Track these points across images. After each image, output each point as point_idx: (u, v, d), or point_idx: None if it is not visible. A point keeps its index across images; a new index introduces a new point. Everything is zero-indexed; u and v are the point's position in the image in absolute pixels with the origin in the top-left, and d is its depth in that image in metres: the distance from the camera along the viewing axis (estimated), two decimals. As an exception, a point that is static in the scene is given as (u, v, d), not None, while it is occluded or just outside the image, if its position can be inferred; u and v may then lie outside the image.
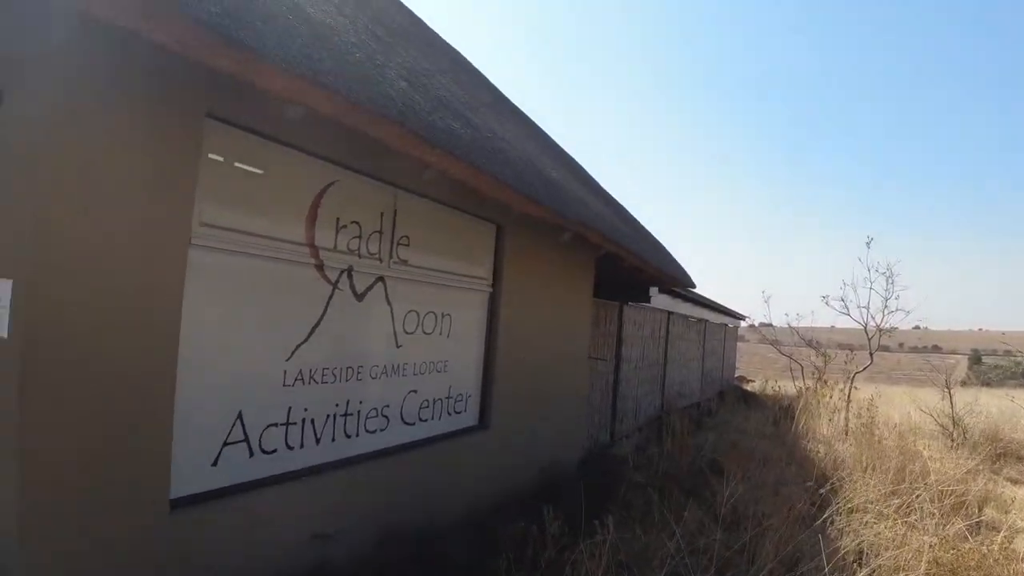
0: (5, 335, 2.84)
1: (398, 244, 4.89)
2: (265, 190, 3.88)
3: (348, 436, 4.58)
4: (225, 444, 3.71)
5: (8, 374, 2.77)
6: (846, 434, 10.31)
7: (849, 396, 12.53)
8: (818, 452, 8.95)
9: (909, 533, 4.93)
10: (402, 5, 6.58)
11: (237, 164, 3.70)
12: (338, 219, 4.35)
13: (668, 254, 9.86)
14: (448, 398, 5.67)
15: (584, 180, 8.43)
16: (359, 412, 4.66)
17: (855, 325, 13.84)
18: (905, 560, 4.38)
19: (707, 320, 17.40)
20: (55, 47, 2.83)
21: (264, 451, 3.95)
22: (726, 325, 21.27)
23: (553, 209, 5.10)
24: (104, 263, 2.93)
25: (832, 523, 5.30)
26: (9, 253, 2.90)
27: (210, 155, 3.44)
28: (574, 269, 7.66)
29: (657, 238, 10.27)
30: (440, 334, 5.50)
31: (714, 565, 4.31)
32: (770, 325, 20.52)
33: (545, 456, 7.07)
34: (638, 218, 9.95)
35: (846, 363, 14.22)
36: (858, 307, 13.81)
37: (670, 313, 13.16)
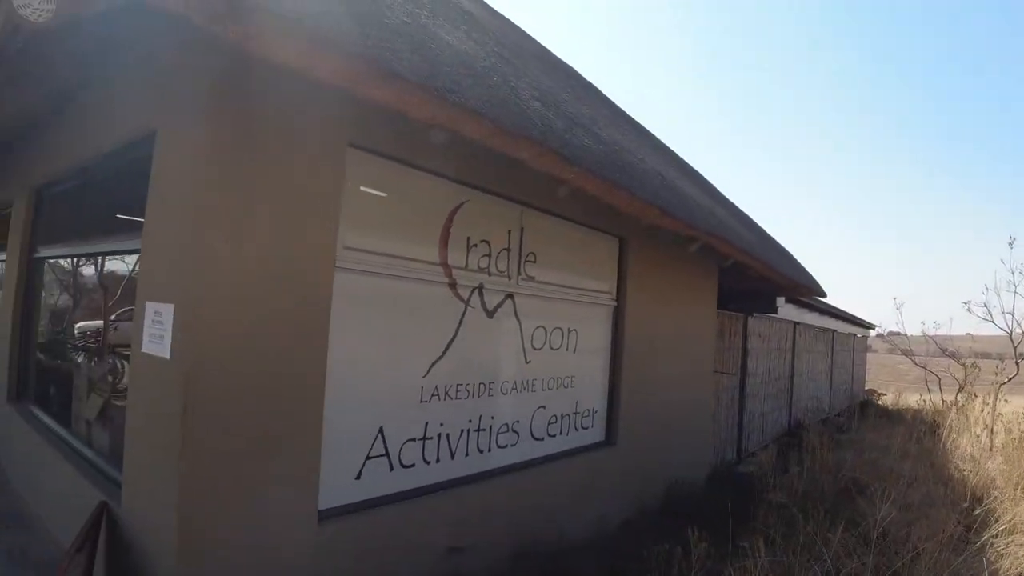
0: (167, 356, 3.07)
1: (525, 261, 4.94)
2: (401, 213, 4.03)
3: (481, 451, 4.64)
4: (368, 458, 3.86)
5: (170, 392, 3.00)
6: (991, 450, 9.48)
7: (995, 409, 11.49)
8: (965, 470, 8.28)
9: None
10: (511, 22, 6.67)
11: (376, 190, 3.85)
12: (468, 238, 4.44)
13: (796, 261, 9.45)
14: (575, 413, 5.65)
15: (705, 188, 8.23)
16: (491, 427, 4.73)
17: (995, 332, 12.78)
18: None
19: (835, 330, 16.50)
20: (208, 85, 3.05)
21: (403, 465, 4.08)
22: (855, 335, 20.09)
23: (685, 221, 5.00)
24: (257, 288, 3.11)
25: (990, 545, 4.88)
26: (171, 280, 3.14)
27: (352, 182, 3.61)
28: (697, 281, 7.48)
29: (781, 244, 9.89)
30: (567, 349, 5.49)
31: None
32: (901, 334, 19.12)
33: (671, 473, 6.91)
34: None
35: (996, 373, 13.01)
36: (1002, 313, 12.77)
37: (796, 324, 12.59)
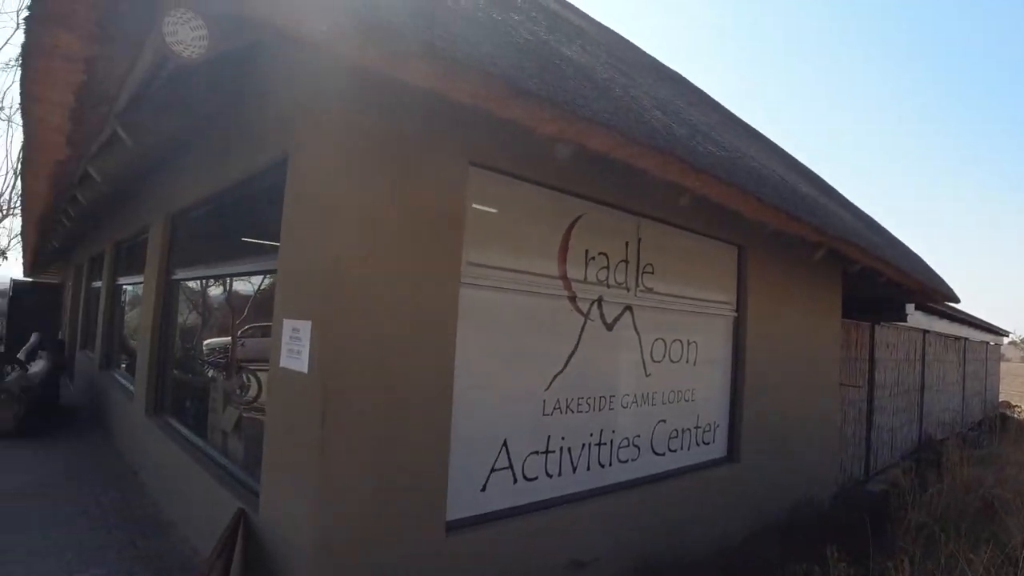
0: (305, 370, 3.18)
1: (643, 272, 4.83)
2: (521, 228, 4.03)
3: (602, 465, 4.56)
4: (492, 471, 3.86)
5: (309, 405, 3.10)
6: None
7: None
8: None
9: None
10: (618, 35, 6.61)
11: (496, 206, 3.87)
12: (587, 251, 4.40)
13: (926, 264, 8.85)
14: (696, 428, 5.46)
15: (826, 190, 7.84)
16: (612, 441, 4.64)
17: None
18: None
19: (966, 338, 15.37)
20: (341, 110, 3.14)
21: (527, 478, 4.06)
22: (987, 343, 18.65)
23: (813, 225, 4.76)
24: (387, 303, 3.19)
25: None
26: (307, 297, 3.26)
27: (473, 200, 3.65)
28: (820, 288, 7.11)
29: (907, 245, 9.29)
30: (687, 362, 5.33)
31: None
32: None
33: (795, 491, 6.57)
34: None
35: None
36: None
37: (926, 332, 11.79)
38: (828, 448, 7.59)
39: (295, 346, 3.30)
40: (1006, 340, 21.90)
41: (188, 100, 3.86)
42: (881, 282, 7.09)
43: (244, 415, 4.60)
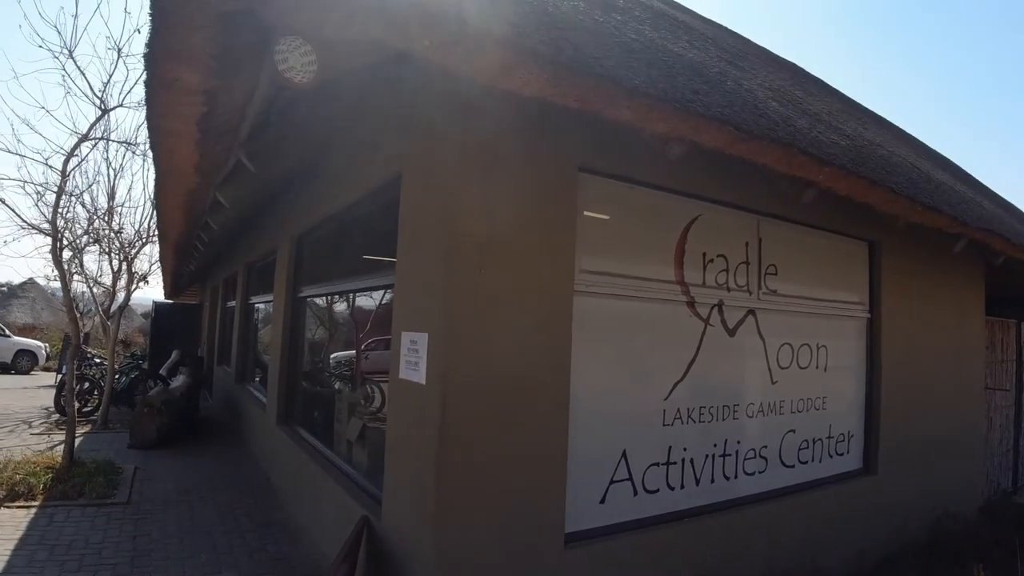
0: (423, 381, 3.23)
1: (766, 274, 4.63)
2: (634, 232, 3.95)
3: (727, 478, 4.38)
4: (611, 482, 3.78)
5: (427, 415, 3.15)
6: None
7: None
8: None
9: None
10: (723, 27, 6.39)
11: (608, 211, 3.81)
12: (704, 254, 4.26)
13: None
14: (829, 438, 5.16)
15: (962, 177, 7.25)
16: (737, 452, 4.45)
17: None
18: None
19: None
20: (449, 124, 3.19)
21: (647, 490, 3.95)
22: None
23: (952, 215, 4.40)
24: (502, 314, 3.19)
25: None
26: (424, 310, 3.31)
27: (584, 205, 3.60)
28: (961, 284, 6.57)
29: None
30: (816, 367, 5.05)
31: None
32: None
33: (938, 505, 6.07)
34: None
35: None
36: None
37: (1083, 329, 10.70)
38: (973, 457, 6.98)
39: (413, 358, 3.37)
40: None
41: (305, 127, 4.04)
42: (1028, 276, 6.49)
43: (367, 425, 4.74)
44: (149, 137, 3.62)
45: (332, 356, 6.26)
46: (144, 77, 2.77)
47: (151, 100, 3.01)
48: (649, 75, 2.64)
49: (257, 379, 9.15)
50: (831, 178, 3.54)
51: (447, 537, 3.05)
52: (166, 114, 3.14)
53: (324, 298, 6.31)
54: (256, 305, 9.51)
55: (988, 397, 7.56)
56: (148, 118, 3.29)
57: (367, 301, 5.35)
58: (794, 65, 6.92)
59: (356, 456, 4.83)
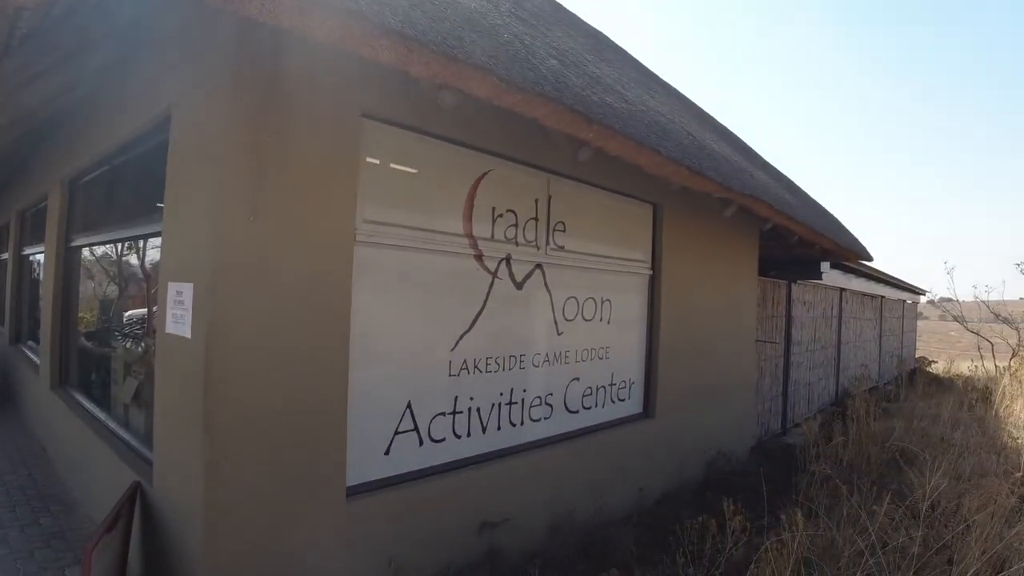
0: (189, 335, 3.05)
1: (554, 230, 4.81)
2: (422, 184, 3.93)
3: (513, 425, 4.57)
4: (396, 433, 3.81)
5: (194, 371, 2.97)
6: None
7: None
8: (1020, 438, 7.93)
9: None
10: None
11: (394, 161, 3.76)
12: (494, 208, 4.34)
13: (840, 224, 9.12)
14: (611, 385, 5.52)
15: (744, 150, 7.94)
16: (523, 401, 4.64)
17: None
18: None
19: (883, 296, 15.97)
20: (218, 61, 2.99)
21: (433, 440, 4.02)
22: (904, 301, 19.42)
23: (718, 182, 4.79)
24: (275, 263, 3.05)
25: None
26: (191, 259, 3.12)
27: (368, 153, 3.52)
28: (737, 247, 7.24)
29: (825, 207, 9.54)
30: (600, 320, 5.36)
31: (912, 566, 3.85)
32: (952, 300, 18.29)
33: (713, 445, 6.75)
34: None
35: None
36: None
37: (843, 290, 12.20)
38: (745, 403, 7.81)
39: (179, 310, 3.16)
40: (923, 299, 22.84)
41: (58, 56, 3.61)
42: (794, 241, 7.27)
43: (144, 385, 4.43)
44: None
45: (125, 314, 5.75)
46: None
47: None
48: (409, 16, 2.60)
49: (33, 340, 8.27)
50: (599, 136, 3.70)
51: (218, 496, 2.92)
52: None
53: (112, 250, 5.76)
54: (31, 257, 8.54)
55: (760, 348, 8.43)
56: None
57: (159, 254, 4.96)
58: (600, 33, 7.16)
59: (132, 419, 4.50)
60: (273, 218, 3.04)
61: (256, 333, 3.00)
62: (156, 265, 4.77)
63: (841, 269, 11.15)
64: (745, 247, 7.45)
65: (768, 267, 8.51)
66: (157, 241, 4.32)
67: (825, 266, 9.46)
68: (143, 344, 4.85)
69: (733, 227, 6.85)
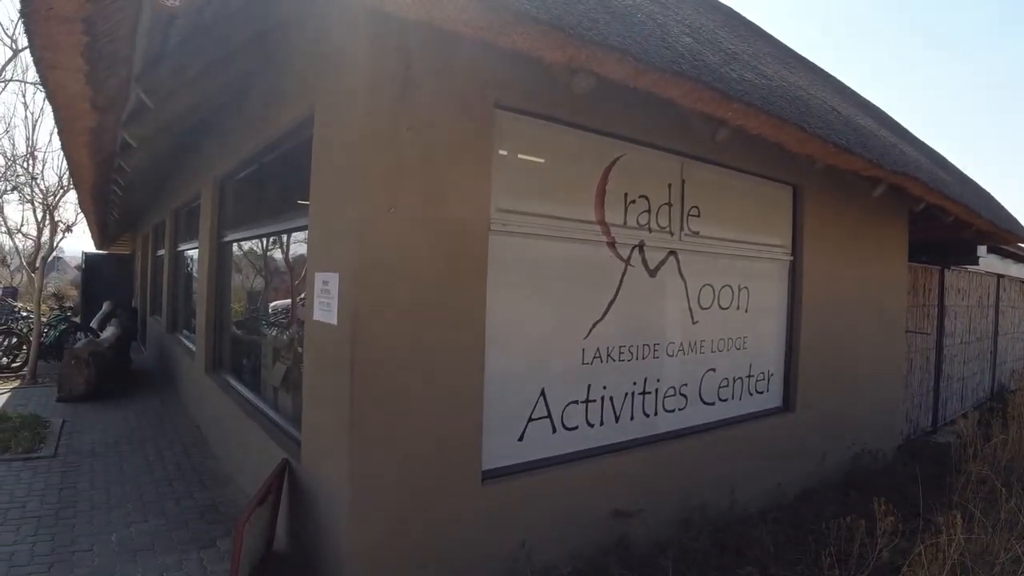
0: (335, 323, 3.18)
1: (688, 216, 4.66)
2: (554, 172, 3.91)
3: (647, 415, 4.47)
4: (530, 420, 3.83)
5: (340, 357, 3.11)
6: None
7: None
8: None
9: None
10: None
11: (526, 150, 3.77)
12: (626, 194, 4.25)
13: (997, 203, 8.29)
14: (749, 377, 5.30)
15: (891, 125, 7.35)
16: (657, 391, 4.53)
17: None
18: None
19: (1047, 283, 14.48)
20: (355, 58, 3.07)
21: (566, 427, 4.01)
22: (1070, 288, 17.54)
23: (867, 158, 4.45)
24: (414, 252, 3.14)
25: None
26: (336, 249, 3.25)
27: (501, 143, 3.54)
28: (884, 231, 6.74)
29: (980, 184, 8.73)
30: (737, 308, 5.15)
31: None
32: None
33: (857, 442, 6.33)
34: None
35: None
36: None
37: (1000, 276, 11.15)
38: (893, 398, 7.29)
39: (325, 299, 3.31)
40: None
41: (207, 60, 3.85)
42: (948, 222, 6.68)
43: (291, 369, 4.68)
44: (38, 72, 3.39)
45: (272, 304, 6.12)
46: (20, 7, 2.60)
47: (31, 31, 2.83)
48: (544, 1, 2.57)
49: (188, 329, 8.96)
50: (740, 115, 3.52)
51: (362, 476, 3.04)
52: (48, 45, 2.94)
53: (259, 244, 6.14)
54: (185, 252, 9.25)
55: (910, 340, 7.85)
56: (31, 50, 3.08)
57: (302, 247, 5.23)
58: (731, 10, 6.87)
59: (280, 401, 4.78)
60: (412, 209, 3.12)
61: (397, 320, 3.10)
62: (299, 258, 5.03)
63: (999, 253, 10.19)
64: (893, 230, 6.92)
65: (919, 252, 7.89)
66: (301, 235, 4.56)
67: (982, 250, 8.66)
68: (288, 332, 5.12)
69: (880, 209, 6.38)
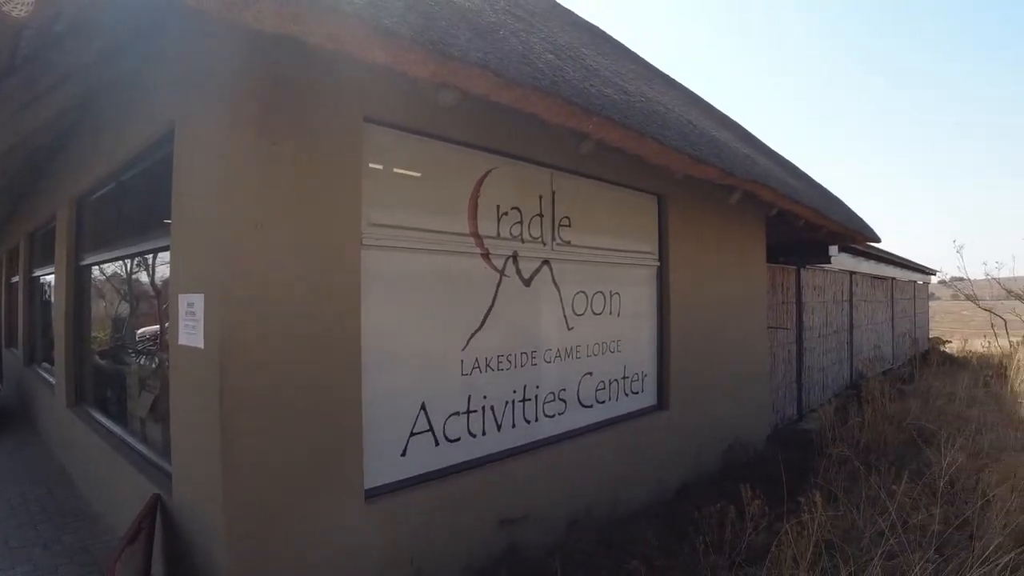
0: (202, 346, 3.07)
1: (560, 226, 4.81)
2: (426, 185, 3.94)
3: (528, 421, 4.57)
4: (412, 435, 3.82)
5: (208, 383, 2.99)
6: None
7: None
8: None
9: None
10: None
11: (397, 163, 3.78)
12: (498, 206, 4.34)
13: (846, 207, 9.05)
14: (624, 378, 5.52)
15: (745, 137, 7.89)
16: (536, 397, 4.65)
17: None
18: None
19: (894, 278, 15.89)
20: (218, 70, 3.01)
21: (449, 440, 4.04)
22: (915, 282, 19.33)
23: (720, 168, 4.77)
24: (284, 270, 3.08)
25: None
26: (200, 270, 3.15)
27: (371, 157, 3.54)
28: (744, 235, 7.22)
29: (830, 190, 9.49)
30: (610, 313, 5.36)
31: (933, 543, 3.84)
32: (963, 279, 18.12)
33: (729, 434, 6.74)
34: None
35: None
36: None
37: (852, 273, 12.15)
38: (759, 391, 7.79)
39: (191, 321, 3.19)
40: (934, 279, 22.70)
41: (60, 74, 3.64)
42: (800, 225, 7.24)
43: (159, 398, 4.47)
44: None
45: (137, 331, 5.79)
46: None
47: None
48: (405, 17, 2.61)
49: (47, 361, 8.34)
50: (600, 128, 3.70)
51: (237, 504, 2.94)
52: None
53: (123, 268, 5.80)
54: (41, 278, 8.61)
55: (772, 335, 8.41)
56: None
57: (168, 270, 4.99)
58: (596, 28, 7.15)
59: (149, 433, 4.54)
60: (280, 226, 3.06)
61: (268, 340, 3.02)
62: (166, 281, 4.82)
63: (850, 252, 11.12)
64: (752, 234, 7.43)
65: (777, 253, 8.49)
66: (167, 256, 4.37)
67: (834, 250, 9.42)
68: (157, 359, 4.88)
69: (739, 214, 6.83)
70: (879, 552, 3.70)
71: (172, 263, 3.59)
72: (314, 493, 3.19)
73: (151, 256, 4.81)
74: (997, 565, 3.31)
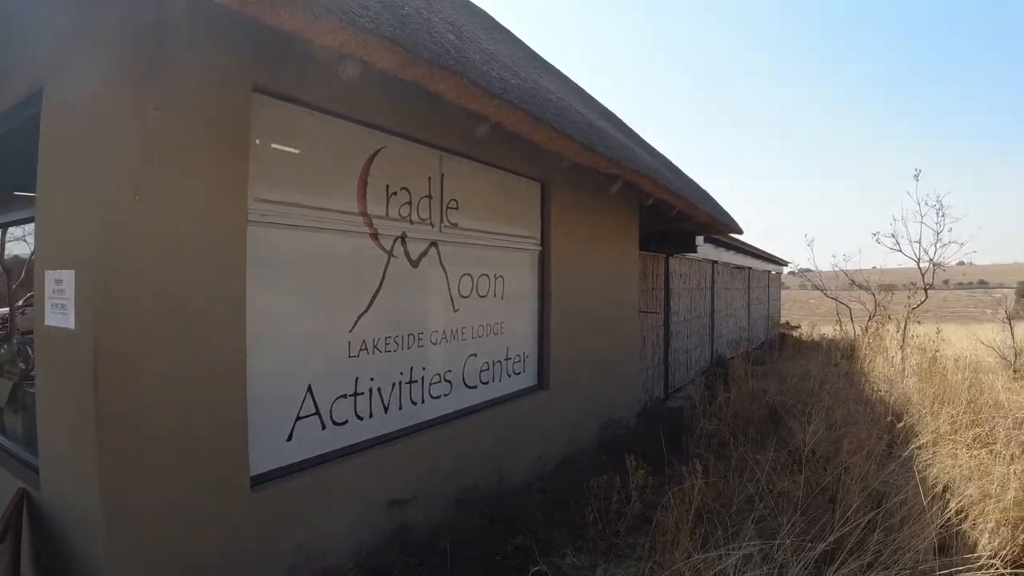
0: (72, 327, 2.84)
1: (448, 208, 4.83)
2: (316, 162, 3.82)
3: (414, 403, 4.58)
4: (298, 419, 3.72)
5: (80, 366, 2.77)
6: (904, 372, 10.02)
7: (905, 333, 12.04)
8: (883, 391, 8.73)
9: (993, 462, 4.78)
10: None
11: (287, 137, 3.64)
12: (388, 186, 4.29)
13: (713, 200, 9.65)
14: (507, 359, 5.64)
15: (624, 129, 8.23)
16: (423, 379, 4.66)
17: (901, 265, 13.30)
18: (992, 489, 4.24)
19: (751, 268, 17.10)
20: (93, 18, 2.78)
21: (335, 423, 3.97)
22: (769, 272, 20.91)
23: (608, 156, 4.95)
24: (161, 246, 2.88)
25: (915, 457, 5.14)
26: (70, 244, 2.90)
27: (260, 129, 3.39)
28: (620, 223, 7.54)
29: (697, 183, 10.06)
30: (494, 296, 5.45)
31: (798, 506, 4.21)
32: (811, 270, 19.76)
33: (604, 412, 7.05)
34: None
35: (909, 299, 13.25)
36: (910, 242, 13.21)
37: (714, 263, 12.96)
38: (632, 371, 8.18)
39: (59, 300, 2.93)
40: (786, 270, 24.62)
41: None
42: (672, 215, 7.64)
43: (21, 387, 4.11)
44: None
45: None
46: None
47: None
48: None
49: None
50: (499, 111, 3.73)
51: (114, 494, 2.73)
52: None
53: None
54: None
55: (642, 319, 8.83)
56: None
57: (22, 247, 4.54)
58: (487, 14, 7.19)
59: (9, 423, 4.17)
60: (161, 197, 2.86)
61: (146, 319, 2.83)
62: (17, 258, 4.42)
63: (713, 243, 11.85)
64: (628, 223, 7.76)
65: (648, 242, 8.91)
66: (18, 230, 4.01)
67: (700, 240, 10.02)
68: (10, 344, 4.49)
69: (617, 203, 7.12)
70: (750, 516, 4.01)
71: (37, 237, 3.26)
72: (198, 482, 3.03)
73: (1, 231, 4.40)
74: (857, 525, 3.65)
